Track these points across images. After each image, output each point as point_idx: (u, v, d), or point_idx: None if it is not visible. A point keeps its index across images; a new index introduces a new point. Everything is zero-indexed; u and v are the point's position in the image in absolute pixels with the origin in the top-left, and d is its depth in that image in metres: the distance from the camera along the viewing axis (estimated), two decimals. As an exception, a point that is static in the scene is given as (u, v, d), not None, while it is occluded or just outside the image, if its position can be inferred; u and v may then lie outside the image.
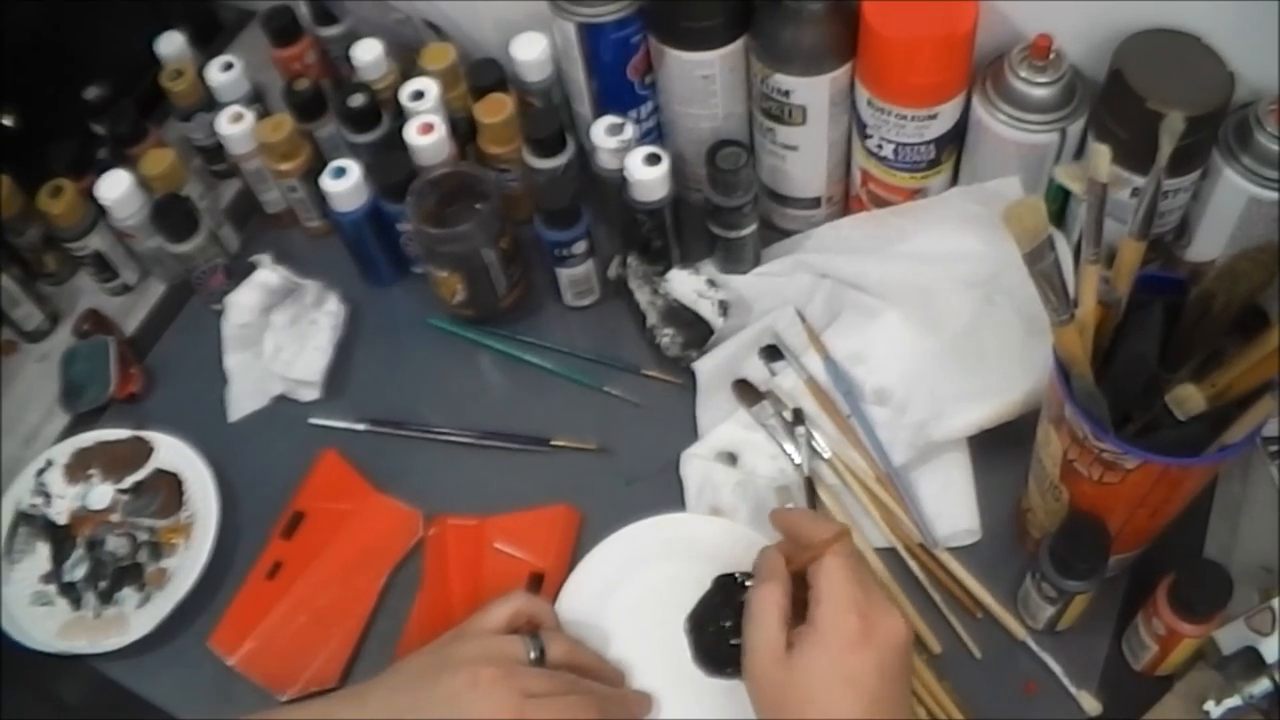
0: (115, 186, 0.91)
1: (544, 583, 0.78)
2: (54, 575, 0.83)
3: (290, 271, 0.92)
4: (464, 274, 0.87)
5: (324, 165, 0.89)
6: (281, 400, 0.91)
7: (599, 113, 0.89)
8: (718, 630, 0.72)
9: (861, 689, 0.58)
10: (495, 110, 0.90)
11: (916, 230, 0.85)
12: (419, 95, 0.91)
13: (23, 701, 0.79)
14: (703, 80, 0.85)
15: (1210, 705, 0.67)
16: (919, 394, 0.81)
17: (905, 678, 0.61)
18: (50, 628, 0.81)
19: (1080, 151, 0.80)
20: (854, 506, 0.79)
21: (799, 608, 0.62)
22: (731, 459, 0.82)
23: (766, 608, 0.62)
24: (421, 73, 0.93)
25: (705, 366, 0.86)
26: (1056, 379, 0.63)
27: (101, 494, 0.86)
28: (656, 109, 0.92)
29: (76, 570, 0.83)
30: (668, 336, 0.86)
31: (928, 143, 0.82)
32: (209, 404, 0.92)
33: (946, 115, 0.81)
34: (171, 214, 0.90)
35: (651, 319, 0.87)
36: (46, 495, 0.86)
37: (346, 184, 0.88)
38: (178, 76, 0.99)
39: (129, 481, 0.87)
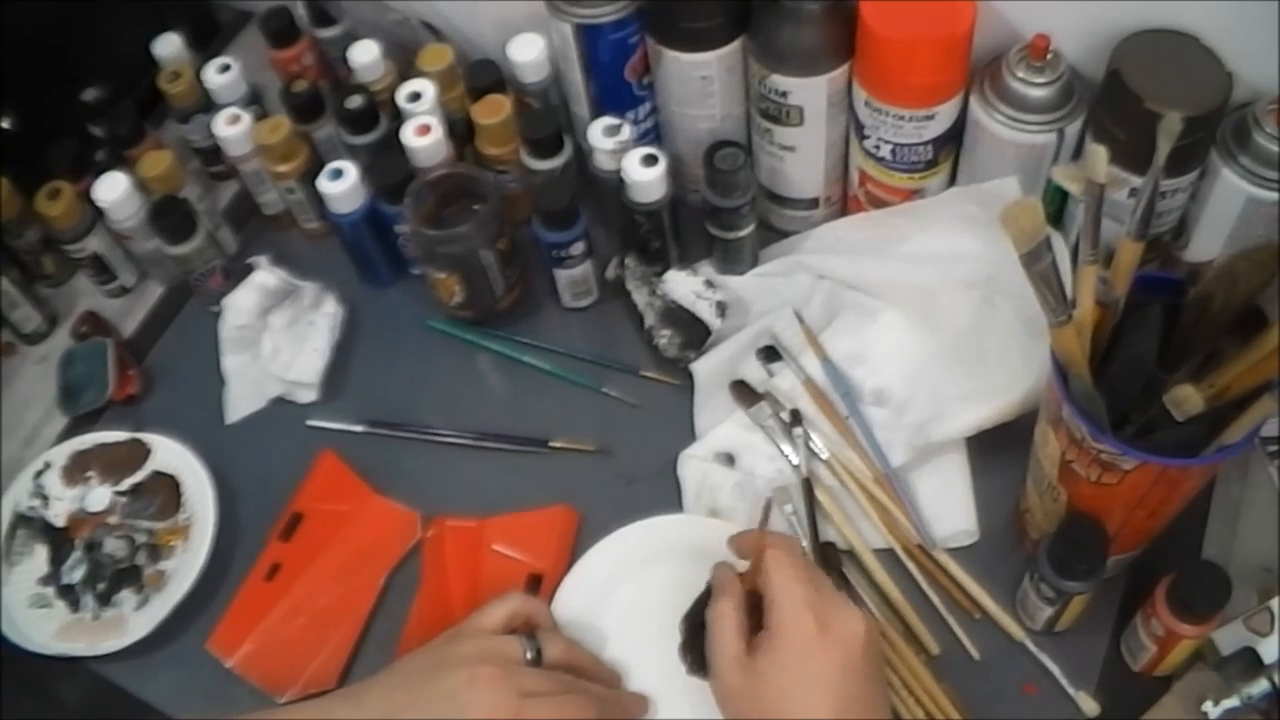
0: (113, 188, 0.91)
1: (542, 584, 0.78)
2: (52, 577, 0.83)
3: (288, 273, 0.92)
4: (462, 275, 0.87)
5: (322, 167, 0.89)
6: (279, 402, 0.91)
7: (597, 114, 0.89)
8: None
9: (826, 688, 0.59)
10: (493, 111, 0.90)
11: (915, 231, 0.85)
12: (416, 96, 0.91)
13: (21, 703, 0.79)
14: (700, 81, 0.85)
15: (1209, 706, 0.67)
16: (918, 395, 0.80)
17: (874, 676, 0.61)
18: (48, 630, 0.81)
19: (1078, 152, 0.80)
20: (852, 507, 0.79)
21: (759, 619, 0.63)
22: (729, 460, 0.82)
23: (721, 622, 0.63)
24: (419, 74, 0.93)
25: (703, 367, 0.86)
26: (1054, 380, 0.63)
27: (99, 496, 0.86)
28: (654, 110, 0.92)
29: (75, 572, 0.83)
30: (666, 337, 0.86)
31: (925, 143, 0.82)
32: (207, 406, 0.91)
33: (944, 116, 0.80)
34: (169, 216, 0.90)
35: (649, 320, 0.87)
36: (44, 497, 0.86)
37: (344, 185, 0.88)
38: (176, 78, 0.99)
39: (127, 483, 0.86)
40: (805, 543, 0.78)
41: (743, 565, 0.68)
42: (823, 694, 0.58)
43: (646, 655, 0.73)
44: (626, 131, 0.86)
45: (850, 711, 0.59)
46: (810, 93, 0.82)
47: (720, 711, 0.63)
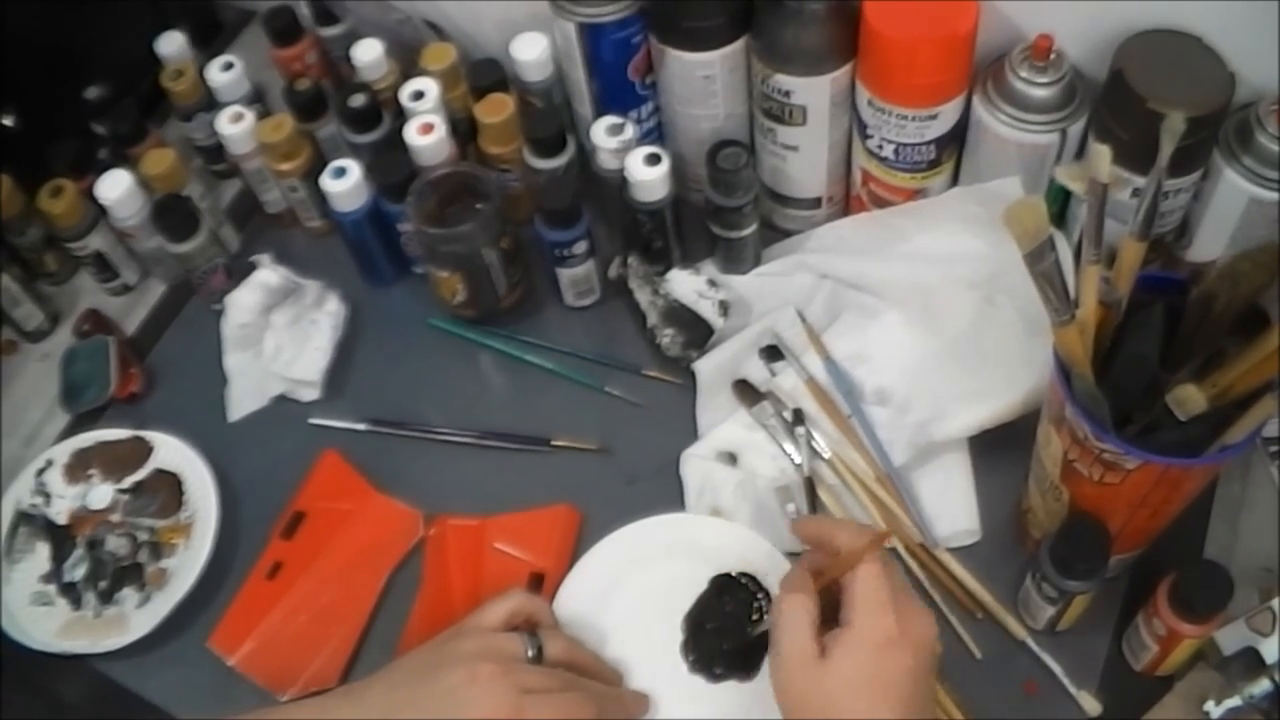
0: (116, 186, 0.91)
1: (544, 583, 0.78)
2: (54, 575, 0.83)
3: (290, 271, 0.92)
4: (464, 274, 0.87)
5: (324, 165, 0.89)
6: (282, 400, 0.91)
7: (599, 113, 0.89)
8: (713, 631, 0.72)
9: (896, 690, 0.58)
10: (496, 110, 0.90)
11: (917, 231, 0.85)
12: (419, 95, 0.91)
13: (23, 701, 0.79)
14: (703, 80, 0.85)
15: (1210, 705, 0.67)
16: (920, 394, 0.80)
17: (933, 681, 0.61)
18: (50, 628, 0.81)
19: (1081, 152, 0.80)
20: (854, 507, 0.79)
21: (825, 619, 0.62)
22: (732, 459, 0.82)
23: (797, 615, 0.61)
24: (422, 73, 0.93)
25: (705, 367, 0.86)
26: (1057, 379, 0.63)
27: (101, 494, 0.86)
28: (657, 109, 0.92)
29: (76, 570, 0.83)
30: (668, 336, 0.86)
31: (928, 143, 0.82)
32: (209, 404, 0.91)
33: (947, 115, 0.81)
34: (172, 214, 0.90)
35: (652, 319, 0.87)
36: (46, 495, 0.86)
37: (347, 184, 0.88)
38: (178, 76, 0.99)
39: (129, 481, 0.86)
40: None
41: (820, 556, 0.66)
42: (891, 696, 0.58)
43: (648, 654, 0.73)
44: (629, 131, 0.87)
45: (911, 713, 0.58)
46: (813, 92, 0.82)
47: (779, 703, 0.61)
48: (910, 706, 0.58)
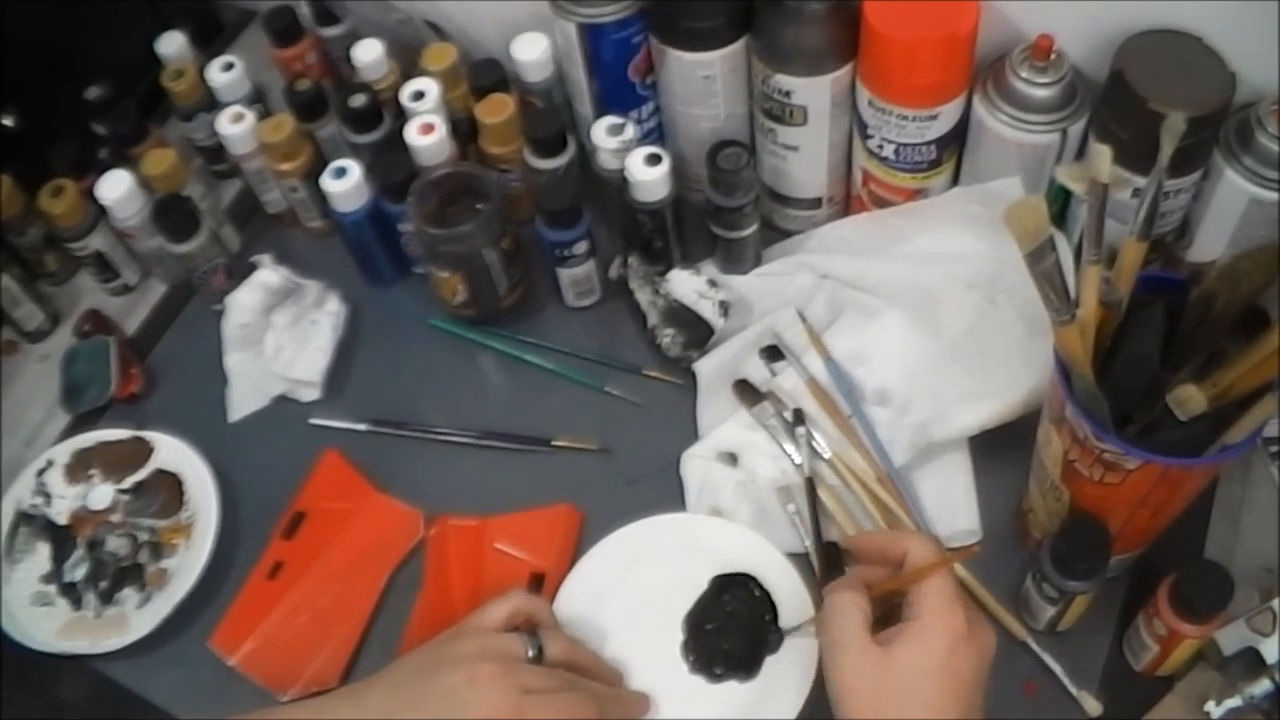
0: (116, 186, 0.91)
1: (544, 583, 0.78)
2: (54, 575, 0.83)
3: (291, 271, 0.92)
4: (465, 274, 0.87)
5: (325, 165, 0.89)
6: (282, 400, 0.91)
7: (600, 113, 0.89)
8: (713, 631, 0.72)
9: (961, 687, 0.58)
10: (496, 110, 0.90)
11: (918, 231, 0.85)
12: (420, 95, 0.91)
13: (23, 702, 0.79)
14: (704, 80, 0.85)
15: (1211, 706, 0.67)
16: (920, 394, 0.80)
17: (984, 688, 0.60)
18: (51, 628, 0.81)
19: (1081, 152, 0.80)
20: (855, 507, 0.79)
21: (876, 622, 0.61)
22: (732, 459, 0.82)
23: (849, 609, 0.61)
24: (422, 73, 0.93)
25: (706, 367, 0.86)
26: (1057, 379, 0.63)
27: (102, 494, 0.86)
28: (657, 109, 0.92)
29: (77, 570, 0.83)
30: (668, 337, 0.86)
31: (929, 143, 0.82)
32: (210, 404, 0.92)
33: (948, 116, 0.81)
34: (172, 214, 0.90)
35: (652, 319, 0.87)
36: (47, 495, 0.86)
37: (347, 184, 0.88)
38: (179, 77, 0.99)
39: (129, 482, 0.86)
40: (808, 541, 0.78)
41: (872, 570, 0.65)
42: (956, 691, 0.58)
43: (648, 654, 0.73)
44: (630, 131, 0.87)
45: (971, 713, 0.58)
46: (813, 92, 0.82)
47: (834, 696, 0.61)
48: (973, 707, 0.58)
